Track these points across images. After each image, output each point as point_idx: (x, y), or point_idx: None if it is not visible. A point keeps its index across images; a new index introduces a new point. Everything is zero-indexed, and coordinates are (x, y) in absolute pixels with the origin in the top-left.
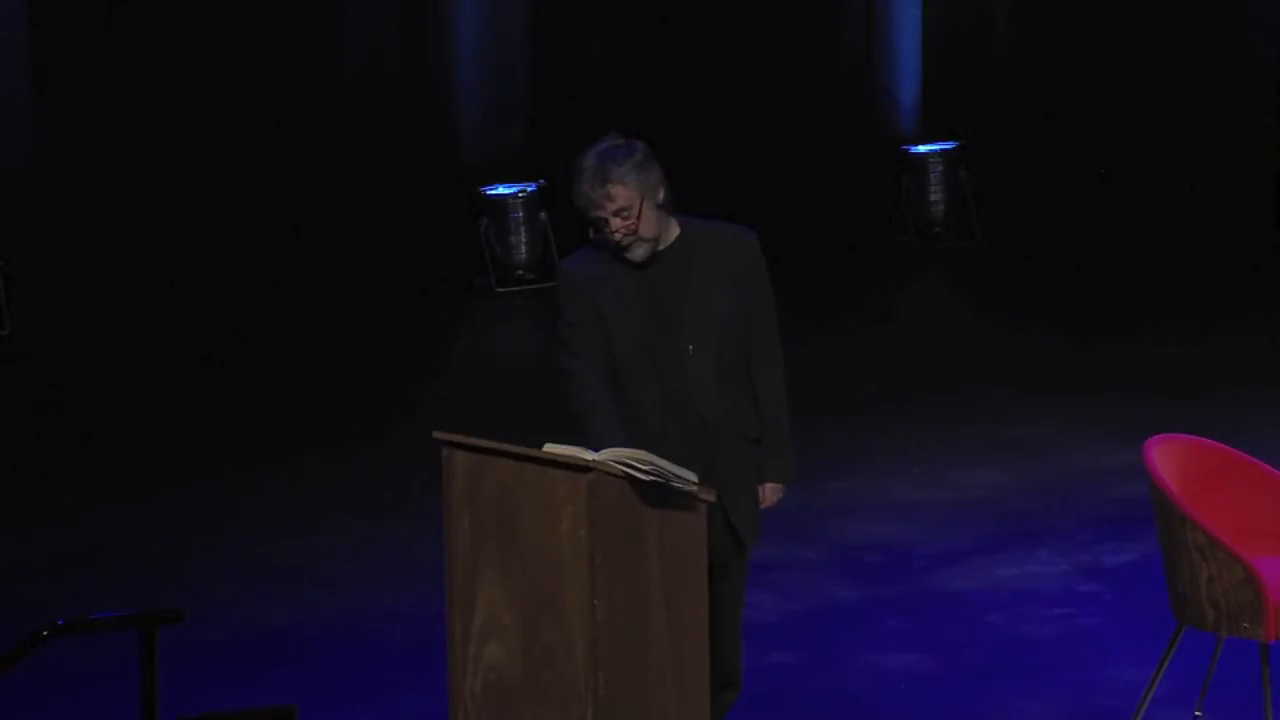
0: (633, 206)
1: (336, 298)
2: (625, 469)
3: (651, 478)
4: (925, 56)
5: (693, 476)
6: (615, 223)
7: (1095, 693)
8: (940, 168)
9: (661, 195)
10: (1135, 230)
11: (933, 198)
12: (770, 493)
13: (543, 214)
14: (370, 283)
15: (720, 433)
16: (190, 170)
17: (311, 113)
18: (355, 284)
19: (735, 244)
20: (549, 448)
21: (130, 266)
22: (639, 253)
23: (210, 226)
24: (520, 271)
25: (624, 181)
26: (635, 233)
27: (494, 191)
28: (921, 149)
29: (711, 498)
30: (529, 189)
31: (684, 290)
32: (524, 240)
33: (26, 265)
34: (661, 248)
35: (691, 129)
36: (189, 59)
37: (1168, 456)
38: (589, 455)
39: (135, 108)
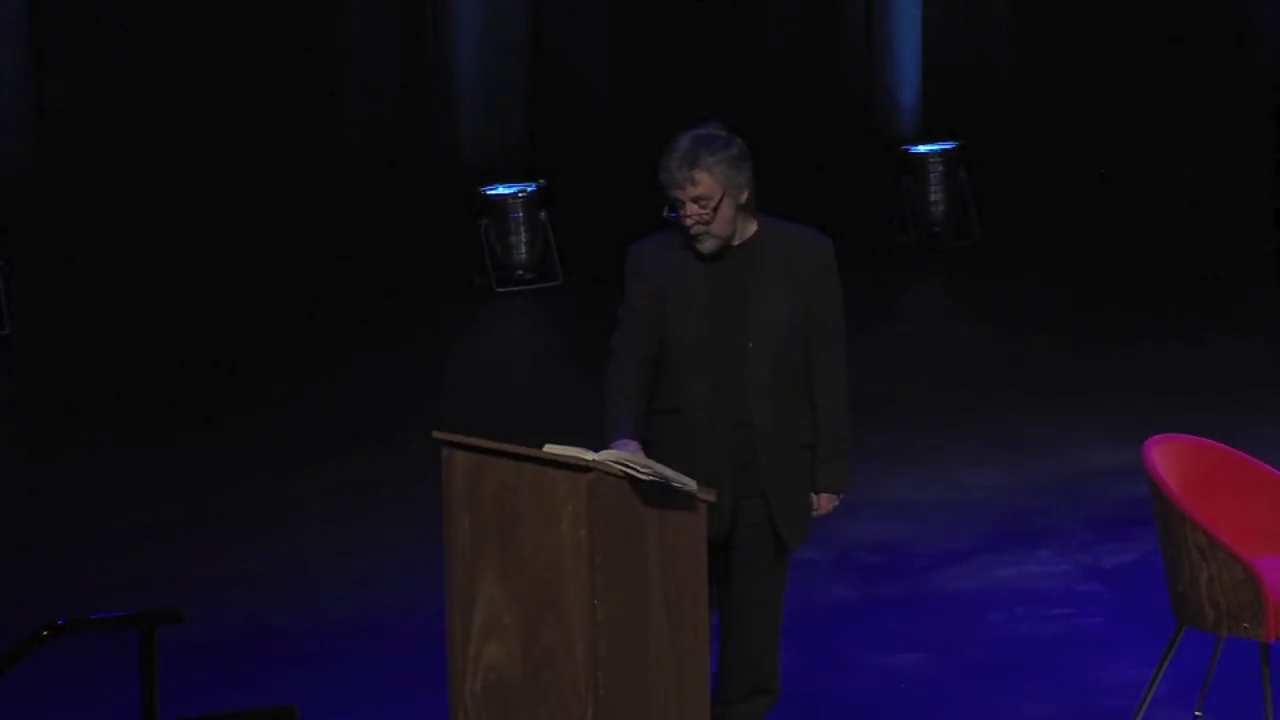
0: (712, 198)
1: (336, 298)
2: (624, 469)
3: (651, 478)
4: (925, 56)
5: (691, 482)
6: (691, 208)
7: (1095, 693)
8: (940, 168)
9: (745, 197)
10: (1135, 231)
11: (933, 198)
12: (825, 502)
13: (543, 214)
14: (370, 283)
15: (770, 434)
16: (190, 171)
17: (311, 113)
18: (355, 284)
19: (808, 247)
20: (549, 448)
21: (130, 267)
22: (707, 246)
23: (210, 227)
24: (520, 271)
25: (711, 171)
26: (708, 225)
27: (494, 191)
28: (921, 149)
29: (712, 498)
30: (529, 189)
31: (749, 287)
32: (524, 240)
33: (26, 265)
34: (735, 243)
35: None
36: (188, 60)
37: (1168, 456)
38: (589, 455)
39: (135, 109)
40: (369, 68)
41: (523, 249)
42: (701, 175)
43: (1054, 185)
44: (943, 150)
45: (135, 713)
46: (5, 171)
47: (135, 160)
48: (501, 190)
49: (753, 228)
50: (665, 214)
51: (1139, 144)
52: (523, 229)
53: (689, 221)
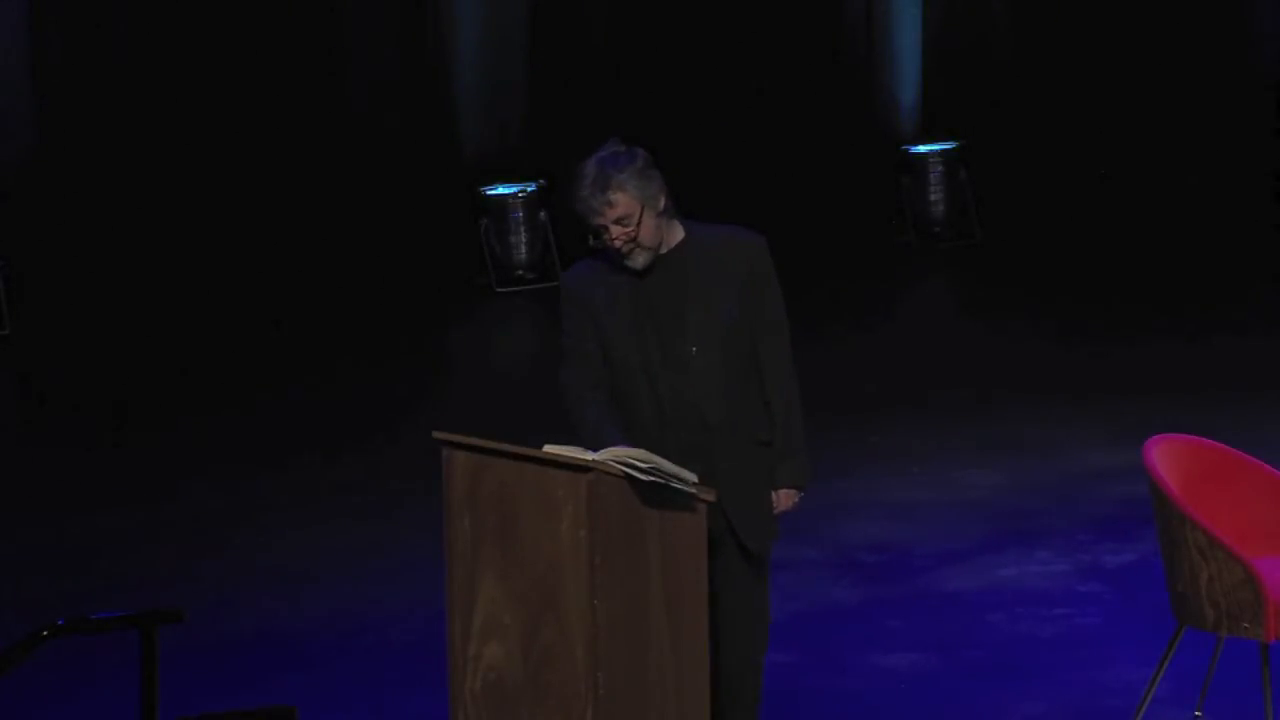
0: (633, 214)
1: (337, 298)
2: (625, 469)
3: (651, 478)
4: (925, 56)
5: (692, 477)
6: (615, 230)
7: (1095, 693)
8: (940, 168)
9: (662, 203)
10: (1135, 230)
11: (933, 198)
12: (784, 498)
13: (543, 214)
14: (370, 283)
15: (723, 434)
16: (190, 171)
17: (312, 114)
18: (356, 284)
19: (741, 248)
20: (549, 448)
21: (130, 267)
22: (639, 261)
23: (210, 227)
24: (520, 271)
25: (624, 189)
26: (635, 240)
27: (494, 191)
28: (921, 149)
29: (711, 498)
30: (529, 189)
31: (686, 293)
32: (524, 240)
33: (26, 265)
34: (664, 252)
35: (691, 130)
36: (188, 61)
37: (1168, 456)
38: (589, 455)
39: (135, 109)
40: (369, 68)
41: (523, 249)
42: (616, 195)
43: (1054, 185)
44: (943, 150)
45: (135, 713)
46: (5, 171)
47: (135, 160)
48: (501, 190)
49: (679, 234)
50: (591, 243)
51: (1139, 144)
52: (523, 229)
53: (618, 243)
